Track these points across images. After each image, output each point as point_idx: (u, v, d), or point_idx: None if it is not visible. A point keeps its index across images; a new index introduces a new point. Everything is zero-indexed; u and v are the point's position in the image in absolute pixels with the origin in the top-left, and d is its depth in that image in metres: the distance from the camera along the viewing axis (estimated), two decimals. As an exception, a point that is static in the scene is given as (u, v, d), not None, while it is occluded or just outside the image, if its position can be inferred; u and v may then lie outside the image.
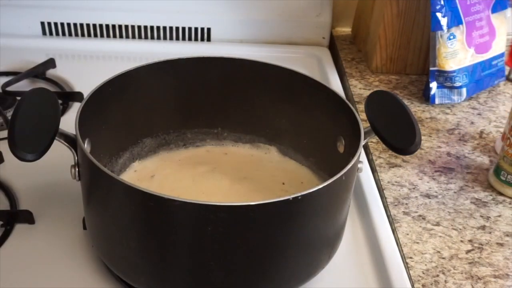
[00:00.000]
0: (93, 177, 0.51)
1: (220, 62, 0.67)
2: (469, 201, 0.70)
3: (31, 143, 0.49)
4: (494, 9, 0.92)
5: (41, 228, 0.63)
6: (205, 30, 1.05)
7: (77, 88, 0.88)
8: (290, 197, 0.47)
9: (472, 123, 0.86)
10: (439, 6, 0.86)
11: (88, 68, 0.98)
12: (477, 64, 0.92)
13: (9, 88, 0.86)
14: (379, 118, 0.57)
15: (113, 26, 1.03)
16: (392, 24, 0.94)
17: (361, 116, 0.58)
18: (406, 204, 0.69)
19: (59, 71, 0.93)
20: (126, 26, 1.03)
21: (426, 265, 0.61)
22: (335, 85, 0.94)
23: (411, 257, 0.62)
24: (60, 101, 0.77)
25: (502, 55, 0.96)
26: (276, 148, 0.72)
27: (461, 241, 0.64)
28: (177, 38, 1.05)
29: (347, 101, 0.60)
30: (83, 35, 1.03)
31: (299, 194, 0.47)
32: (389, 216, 0.68)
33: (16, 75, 0.89)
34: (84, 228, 0.61)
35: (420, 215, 0.67)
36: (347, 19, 1.13)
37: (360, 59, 1.03)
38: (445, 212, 0.68)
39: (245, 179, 0.68)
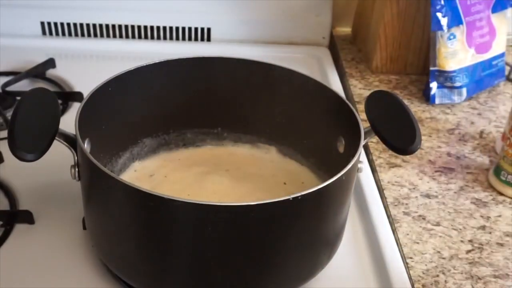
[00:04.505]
0: (93, 177, 0.51)
1: (220, 62, 0.67)
2: (469, 201, 0.70)
3: (31, 143, 0.49)
4: (494, 9, 0.92)
5: (41, 228, 0.63)
6: (205, 30, 1.05)
7: (77, 88, 0.88)
8: (290, 197, 0.47)
9: (472, 123, 0.86)
10: (439, 6, 0.86)
11: (88, 68, 0.98)
12: (477, 64, 0.92)
13: (9, 88, 0.86)
14: (379, 118, 0.57)
15: (113, 26, 1.03)
16: (392, 24, 0.94)
17: (361, 116, 0.58)
18: (406, 204, 0.69)
19: (59, 71, 0.93)
20: (126, 26, 1.03)
21: (426, 265, 0.61)
22: (335, 85, 0.94)
23: (411, 257, 0.62)
24: (60, 101, 0.77)
25: (502, 55, 0.96)
26: (276, 148, 0.72)
27: (461, 241, 0.64)
28: (177, 38, 1.05)
29: (347, 101, 0.60)
30: (83, 35, 1.03)
31: (299, 194, 0.47)
32: (389, 216, 0.67)
33: (16, 75, 0.89)
34: (84, 228, 0.61)
35: (420, 215, 0.67)
36: (347, 19, 1.13)
37: (360, 59, 1.03)
38: (445, 212, 0.68)
39: (246, 179, 0.67)
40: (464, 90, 0.90)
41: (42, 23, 1.02)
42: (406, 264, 0.61)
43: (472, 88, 0.92)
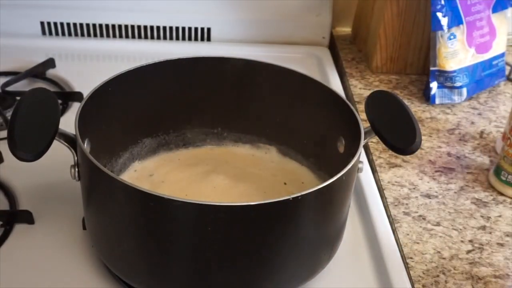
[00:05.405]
0: (93, 177, 0.51)
1: (219, 62, 0.67)
2: (470, 201, 0.70)
3: (31, 143, 0.49)
4: (495, 9, 0.92)
5: (40, 228, 0.63)
6: (205, 30, 1.05)
7: (77, 88, 0.88)
8: (290, 197, 0.47)
9: (472, 123, 0.86)
10: (439, 6, 0.86)
11: (88, 68, 0.98)
12: (478, 64, 0.92)
13: (9, 88, 0.86)
14: (379, 118, 0.57)
15: (113, 26, 1.03)
16: (392, 24, 0.94)
17: (361, 116, 0.58)
18: (406, 204, 0.69)
19: (59, 71, 0.93)
20: (126, 26, 1.03)
21: (426, 265, 0.61)
22: (335, 85, 0.94)
23: (411, 257, 0.62)
24: (60, 101, 0.77)
25: (502, 55, 0.96)
26: (276, 148, 0.72)
27: (462, 241, 0.64)
28: (177, 38, 1.05)
29: (347, 101, 0.60)
30: (83, 35, 1.03)
31: (299, 194, 0.47)
32: (389, 216, 0.67)
33: (16, 75, 0.89)
34: (84, 228, 0.61)
35: (420, 215, 0.67)
36: (347, 19, 1.13)
37: (360, 59, 1.03)
38: (446, 212, 0.68)
39: (246, 179, 0.67)
40: (464, 90, 0.90)
41: (42, 23, 1.02)
42: (406, 264, 0.61)
43: (472, 88, 0.92)
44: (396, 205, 0.69)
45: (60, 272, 0.58)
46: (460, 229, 0.66)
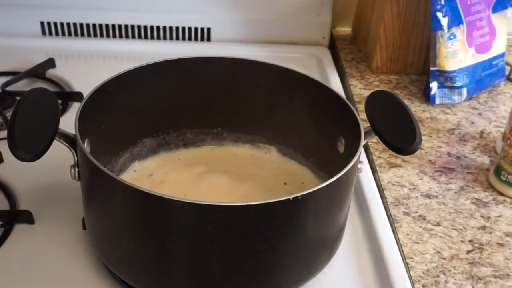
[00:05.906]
0: (93, 177, 0.51)
1: (220, 62, 0.67)
2: (470, 201, 0.70)
3: (30, 143, 0.49)
4: (495, 9, 0.92)
5: (40, 228, 0.63)
6: (205, 30, 1.05)
7: (77, 88, 0.88)
8: (290, 197, 0.47)
9: (472, 123, 0.86)
10: (439, 6, 0.86)
11: (88, 68, 0.98)
12: (478, 64, 0.92)
13: (9, 88, 0.86)
14: (379, 118, 0.57)
15: (113, 26, 1.03)
16: (393, 24, 0.94)
17: (361, 116, 0.58)
18: (406, 204, 0.69)
19: (59, 71, 0.93)
20: (126, 26, 1.03)
21: (426, 265, 0.61)
22: (335, 85, 0.94)
23: (411, 257, 0.62)
24: (60, 101, 0.77)
25: (502, 55, 0.96)
26: (276, 148, 0.72)
27: (462, 241, 0.64)
28: (177, 38, 1.05)
29: (347, 101, 0.60)
30: (83, 35, 1.03)
31: (299, 194, 0.47)
32: (389, 216, 0.67)
33: (16, 75, 0.89)
34: (84, 228, 0.61)
35: (420, 215, 0.67)
36: (347, 19, 1.13)
37: (360, 59, 1.03)
38: (446, 212, 0.68)
39: (246, 179, 0.67)
40: (464, 90, 0.90)
41: (42, 23, 1.02)
42: (406, 264, 0.61)
43: (472, 88, 0.92)
44: (396, 205, 0.69)
45: (60, 272, 0.58)
46: (460, 229, 0.66)
